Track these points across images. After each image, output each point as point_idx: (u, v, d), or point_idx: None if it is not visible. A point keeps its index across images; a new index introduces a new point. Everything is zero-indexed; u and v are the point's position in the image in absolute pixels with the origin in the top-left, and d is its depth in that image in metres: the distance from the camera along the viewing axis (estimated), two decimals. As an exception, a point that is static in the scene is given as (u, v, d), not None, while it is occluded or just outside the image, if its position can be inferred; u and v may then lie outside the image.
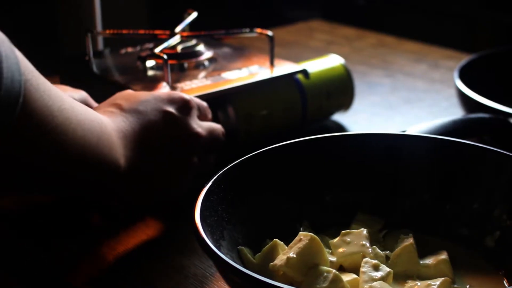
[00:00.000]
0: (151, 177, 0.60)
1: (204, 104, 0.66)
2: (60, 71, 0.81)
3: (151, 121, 0.59)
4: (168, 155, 0.60)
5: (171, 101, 0.61)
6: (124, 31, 0.80)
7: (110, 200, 0.62)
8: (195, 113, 0.63)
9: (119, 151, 0.55)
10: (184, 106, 0.62)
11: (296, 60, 0.84)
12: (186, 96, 0.63)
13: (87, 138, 0.51)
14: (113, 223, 0.64)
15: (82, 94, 0.68)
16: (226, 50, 0.86)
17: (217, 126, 0.67)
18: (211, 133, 0.65)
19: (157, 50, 0.76)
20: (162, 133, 0.60)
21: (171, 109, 0.61)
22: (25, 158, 0.48)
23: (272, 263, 0.49)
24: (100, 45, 0.87)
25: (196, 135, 0.62)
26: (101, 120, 0.54)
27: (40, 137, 0.47)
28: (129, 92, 0.63)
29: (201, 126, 0.63)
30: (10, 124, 0.44)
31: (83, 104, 0.53)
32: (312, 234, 0.49)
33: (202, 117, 0.65)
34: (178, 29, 0.82)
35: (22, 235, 0.63)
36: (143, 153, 0.58)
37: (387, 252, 0.53)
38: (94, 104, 0.69)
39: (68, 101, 0.50)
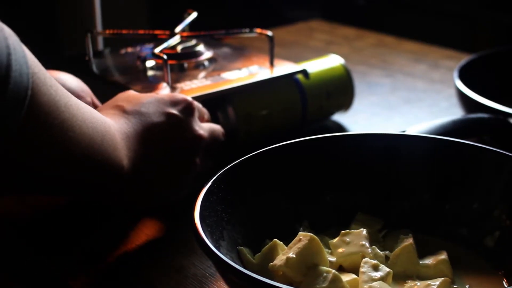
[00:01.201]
0: (154, 179, 0.59)
1: (200, 105, 0.66)
2: (60, 71, 0.81)
3: (154, 123, 0.59)
4: (171, 157, 0.60)
5: (174, 103, 0.61)
6: (124, 31, 0.80)
7: (110, 201, 0.62)
8: (197, 114, 0.63)
9: (122, 152, 0.55)
10: (187, 107, 0.62)
11: (296, 60, 0.84)
12: (188, 98, 0.63)
13: (92, 136, 0.51)
14: (112, 223, 0.64)
15: (77, 80, 0.68)
16: (226, 50, 0.86)
17: (217, 127, 0.67)
18: (212, 134, 0.65)
19: (157, 50, 0.76)
20: (165, 135, 0.60)
21: (174, 111, 0.61)
22: (29, 157, 0.47)
23: (271, 263, 0.49)
24: (100, 45, 0.87)
25: (199, 137, 0.62)
26: (105, 120, 0.54)
27: (47, 133, 0.46)
28: (130, 93, 0.63)
29: (203, 128, 0.63)
30: (19, 119, 0.43)
31: (87, 104, 0.53)
32: (311, 234, 0.49)
33: (200, 118, 0.65)
34: (178, 29, 0.82)
35: (22, 236, 0.63)
36: (146, 154, 0.58)
37: (387, 252, 0.53)
38: (89, 91, 0.68)
39: (73, 98, 0.50)
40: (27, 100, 0.43)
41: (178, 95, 0.63)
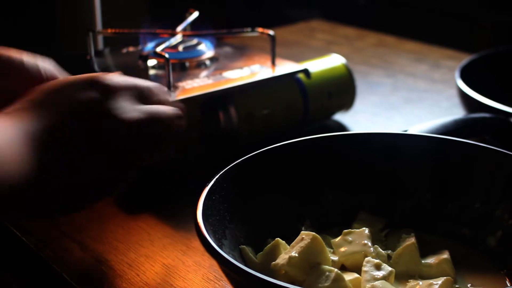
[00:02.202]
0: (75, 179, 0.49)
1: (150, 84, 0.55)
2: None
3: (64, 113, 0.48)
4: (92, 147, 0.49)
5: (91, 83, 0.51)
6: (125, 30, 0.80)
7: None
8: (124, 96, 0.51)
9: (25, 159, 0.44)
10: (105, 89, 0.50)
11: (297, 59, 0.84)
12: (107, 79, 0.51)
13: None
14: (112, 222, 0.64)
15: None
16: (227, 49, 0.86)
17: (165, 109, 0.54)
18: (152, 117, 0.52)
19: (158, 49, 0.76)
20: (81, 125, 0.49)
21: (91, 93, 0.50)
22: None
23: (274, 262, 0.49)
24: (100, 44, 0.87)
25: (127, 121, 0.50)
26: None
27: None
28: (49, 82, 0.52)
29: (138, 110, 0.51)
30: None
31: None
32: (314, 233, 0.49)
33: (150, 99, 0.54)
34: (179, 28, 0.82)
35: (22, 236, 0.63)
36: (59, 149, 0.47)
37: (389, 252, 0.53)
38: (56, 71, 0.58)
39: None
40: None
41: (96, 76, 0.52)
